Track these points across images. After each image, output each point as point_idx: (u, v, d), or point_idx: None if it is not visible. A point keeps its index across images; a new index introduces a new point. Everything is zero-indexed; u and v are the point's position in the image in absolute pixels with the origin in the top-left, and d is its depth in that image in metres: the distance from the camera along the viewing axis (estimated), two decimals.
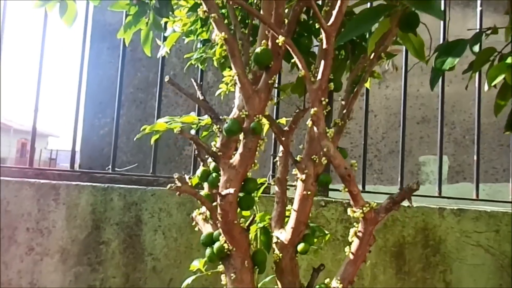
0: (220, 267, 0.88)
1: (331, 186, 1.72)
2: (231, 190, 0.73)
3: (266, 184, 1.02)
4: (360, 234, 0.77)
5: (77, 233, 1.52)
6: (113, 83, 2.15)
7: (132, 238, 1.52)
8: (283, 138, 0.88)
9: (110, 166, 1.67)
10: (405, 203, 1.62)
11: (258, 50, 0.77)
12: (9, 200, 1.51)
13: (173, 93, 2.73)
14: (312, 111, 0.72)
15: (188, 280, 1.00)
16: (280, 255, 0.88)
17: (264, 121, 0.86)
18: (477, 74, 1.84)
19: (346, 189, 0.73)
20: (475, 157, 1.74)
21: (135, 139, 1.30)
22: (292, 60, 0.75)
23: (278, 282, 0.90)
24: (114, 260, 1.51)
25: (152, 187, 1.57)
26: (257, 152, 0.80)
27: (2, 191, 1.52)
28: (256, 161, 0.80)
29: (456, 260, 1.55)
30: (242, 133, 0.79)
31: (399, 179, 1.77)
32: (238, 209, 0.85)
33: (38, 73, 1.70)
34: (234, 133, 0.78)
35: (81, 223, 1.52)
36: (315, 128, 0.72)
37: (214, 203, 0.80)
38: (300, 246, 0.89)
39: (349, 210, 0.75)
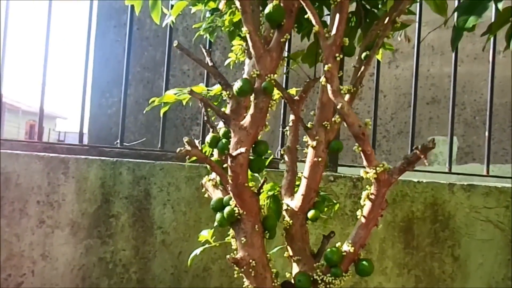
0: (229, 238, 0.88)
1: (340, 162, 1.71)
2: (243, 149, 0.73)
3: (271, 157, 1.01)
4: (372, 197, 0.76)
5: (87, 207, 1.53)
6: (120, 62, 2.14)
7: (141, 211, 1.53)
8: (295, 107, 0.87)
9: (118, 141, 1.68)
10: (415, 178, 1.60)
11: (270, 6, 0.75)
12: (19, 173, 1.53)
13: (180, 73, 2.71)
14: (326, 67, 0.70)
15: (197, 251, 1.00)
16: (291, 221, 0.88)
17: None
18: (491, 50, 1.80)
19: (360, 148, 0.72)
20: (486, 133, 1.71)
21: (144, 111, 1.29)
22: (306, 16, 0.73)
23: (289, 248, 0.90)
24: (124, 233, 1.52)
25: (161, 162, 1.57)
26: (268, 114, 0.79)
27: (12, 164, 1.53)
28: (267, 123, 0.79)
29: (465, 235, 1.55)
30: (253, 94, 0.78)
31: None
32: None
33: (45, 47, 1.70)
34: (246, 92, 0.77)
35: (91, 196, 1.53)
36: (328, 86, 0.70)
37: (225, 165, 0.79)
38: (311, 213, 0.89)
39: (361, 171, 0.74)
